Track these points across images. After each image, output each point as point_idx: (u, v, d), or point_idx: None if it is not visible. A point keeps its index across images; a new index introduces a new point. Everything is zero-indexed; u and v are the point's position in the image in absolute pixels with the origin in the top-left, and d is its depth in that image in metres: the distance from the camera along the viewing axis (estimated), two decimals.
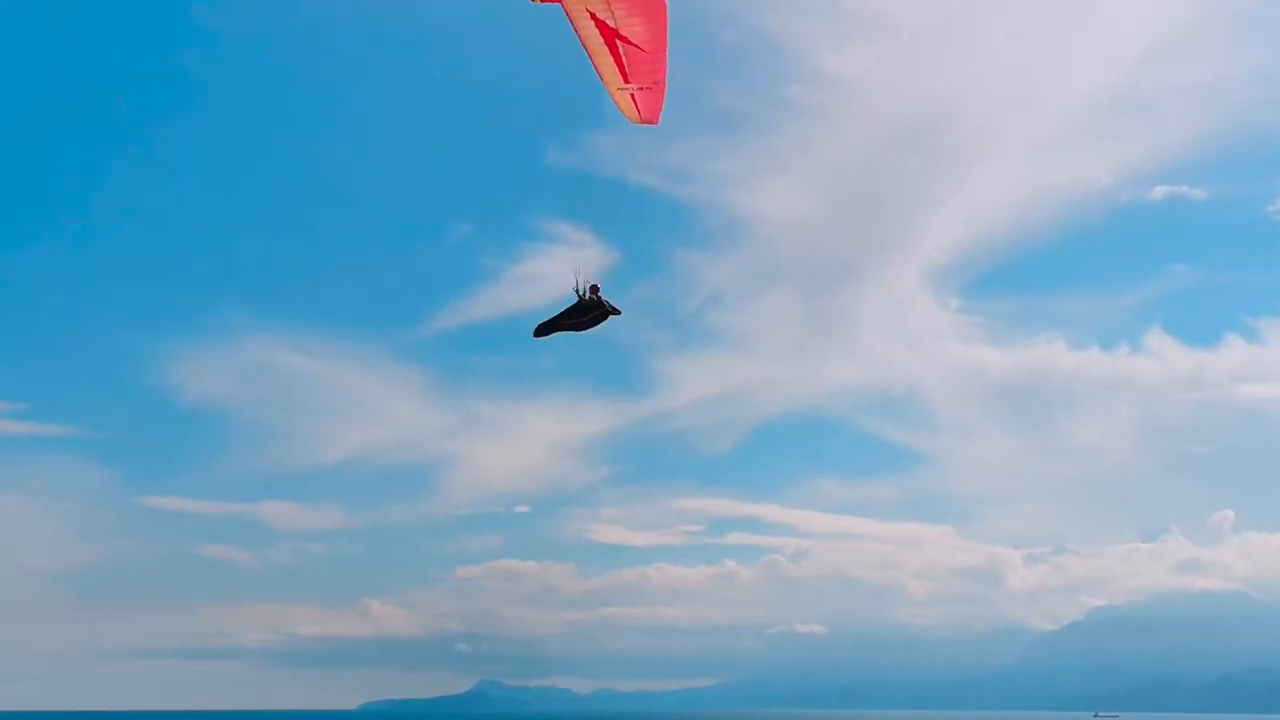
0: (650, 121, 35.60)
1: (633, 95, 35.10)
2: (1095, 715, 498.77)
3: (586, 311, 32.42)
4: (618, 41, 34.26)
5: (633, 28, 33.91)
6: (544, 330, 32.53)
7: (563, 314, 32.73)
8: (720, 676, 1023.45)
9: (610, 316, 33.16)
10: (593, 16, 33.63)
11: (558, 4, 33.46)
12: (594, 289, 32.71)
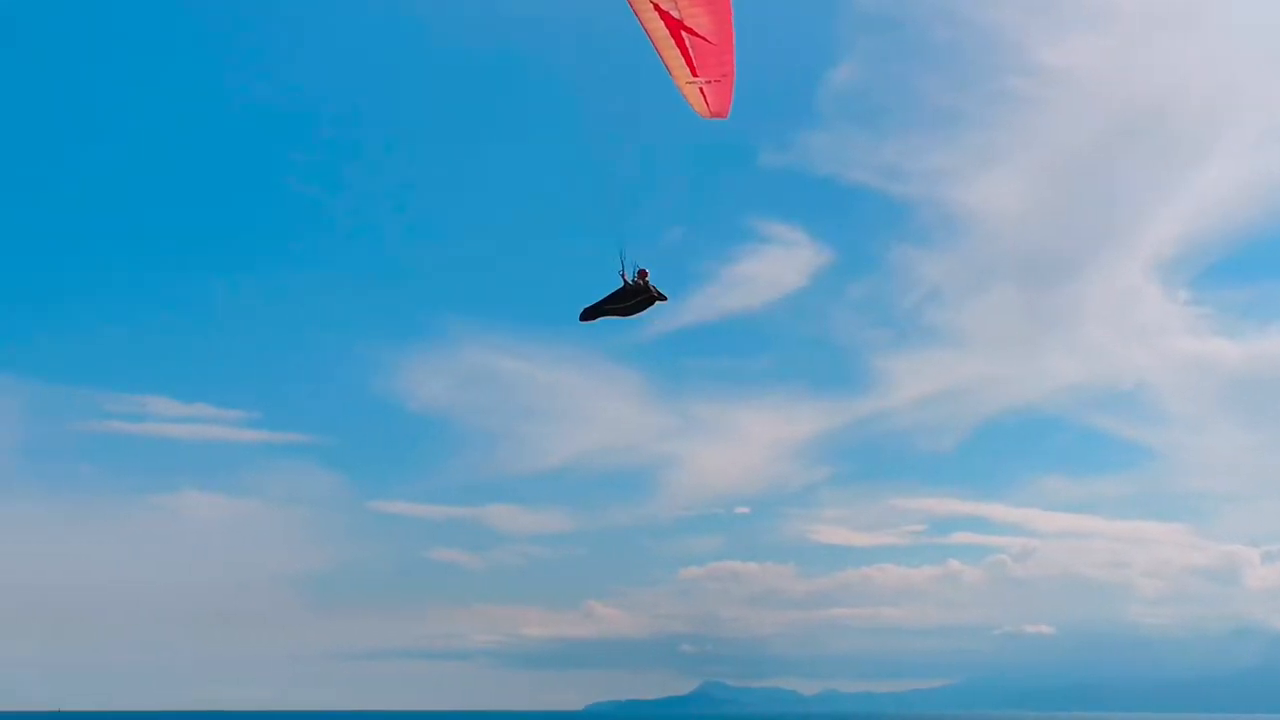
0: (720, 115, 34.18)
1: (701, 89, 33.74)
2: None
3: (632, 296, 31.36)
4: (683, 33, 32.95)
5: (697, 18, 32.56)
6: (589, 315, 31.70)
7: (607, 299, 31.75)
8: (947, 678, 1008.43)
9: (656, 302, 32.01)
10: (656, 8, 32.37)
11: None
12: (642, 274, 31.57)
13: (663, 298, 32.13)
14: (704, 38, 33.02)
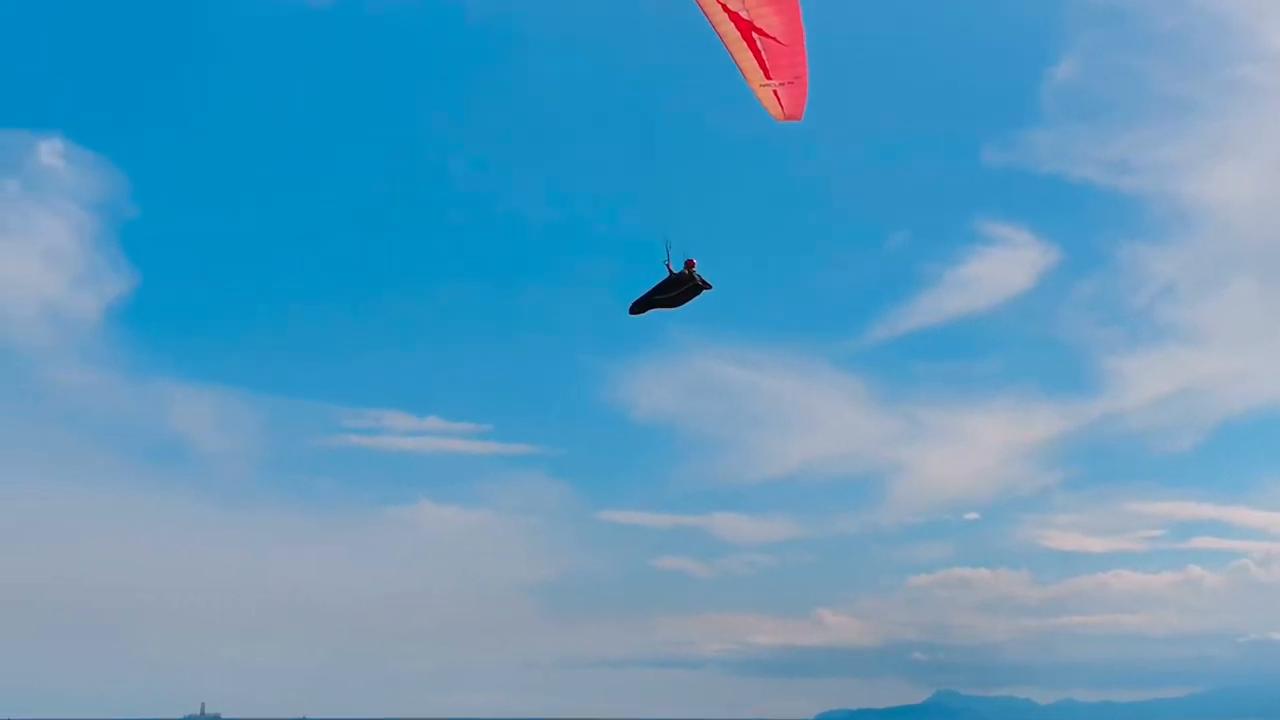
0: (794, 118, 33.24)
1: (775, 91, 32.88)
2: None
3: (677, 286, 31.05)
4: (754, 35, 32.14)
5: (767, 19, 31.74)
6: (639, 307, 31.55)
7: (655, 289, 31.49)
8: (1191, 687, 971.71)
9: (702, 291, 31.63)
10: (725, 9, 31.61)
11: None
12: (689, 264, 31.26)
13: (707, 286, 31.89)
14: (775, 39, 32.21)
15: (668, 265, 30.66)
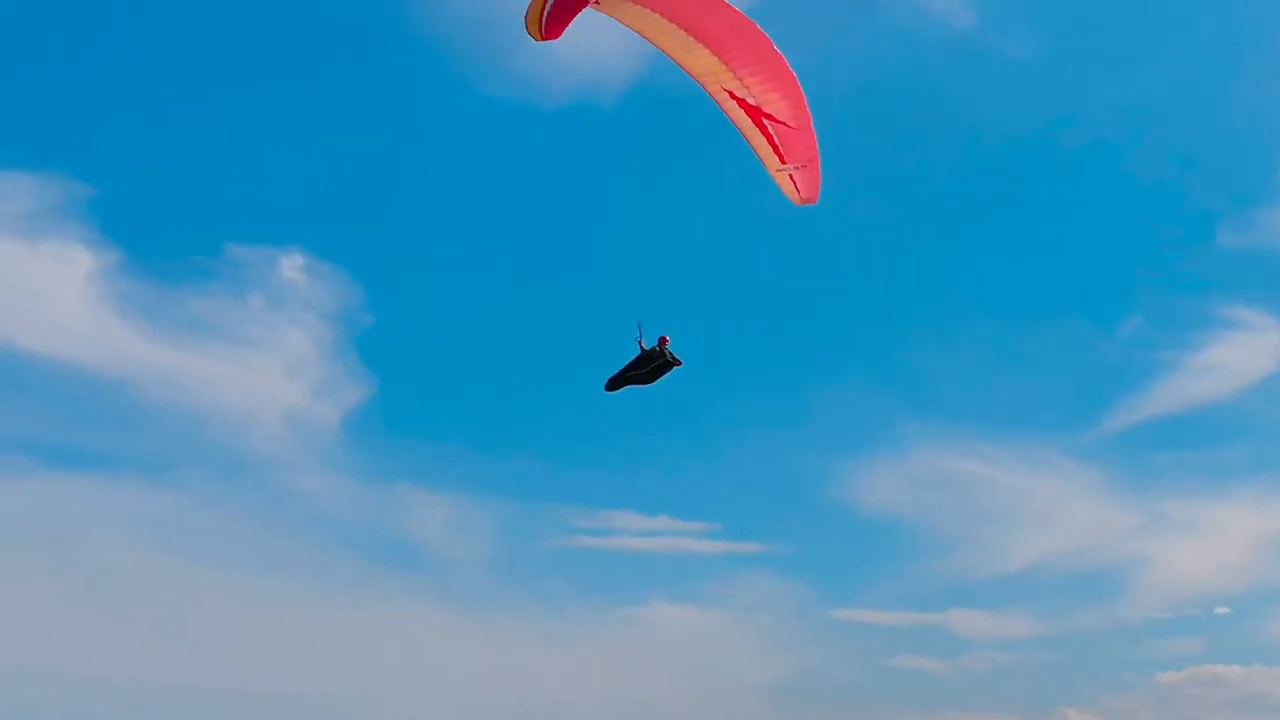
0: (810, 201, 32.84)
1: (790, 176, 32.55)
2: None
3: (650, 363, 30.84)
4: (765, 120, 31.96)
5: (775, 104, 31.44)
6: (613, 385, 31.40)
7: (627, 366, 31.31)
8: None
9: (673, 368, 31.37)
10: (732, 95, 31.60)
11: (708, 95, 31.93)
12: (663, 340, 31.01)
13: (677, 362, 31.58)
14: (784, 123, 31.86)
15: (640, 343, 30.68)
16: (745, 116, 31.76)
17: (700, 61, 31.09)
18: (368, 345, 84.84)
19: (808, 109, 31.47)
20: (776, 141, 32.17)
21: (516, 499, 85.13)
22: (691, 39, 30.76)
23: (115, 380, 78.76)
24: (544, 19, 27.87)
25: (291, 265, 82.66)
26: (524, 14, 28.19)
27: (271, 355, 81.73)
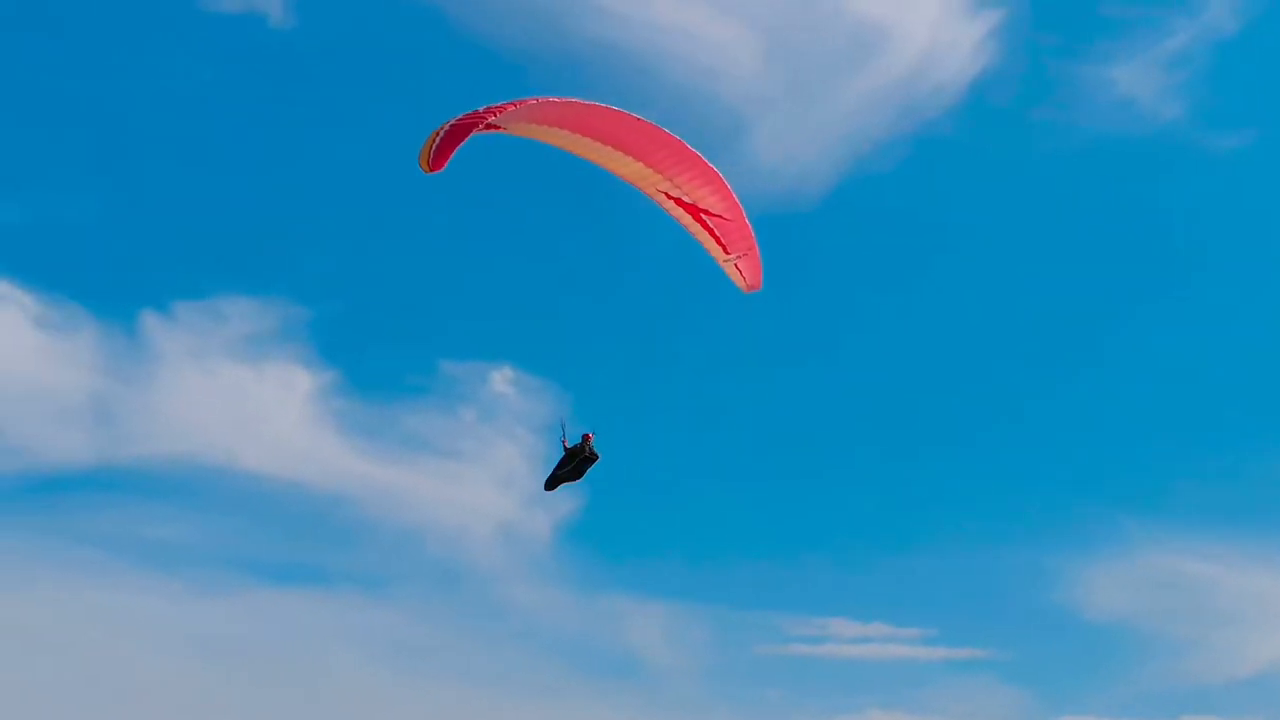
0: (755, 287, 33.69)
1: (736, 264, 33.68)
2: None
3: (574, 459, 32.20)
4: (703, 215, 33.20)
5: (707, 198, 32.64)
6: (550, 485, 32.82)
7: (557, 466, 32.64)
8: None
9: (594, 462, 32.56)
10: (668, 196, 33.03)
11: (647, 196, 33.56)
12: (586, 437, 32.31)
13: (596, 457, 32.73)
14: (720, 216, 32.88)
15: (563, 442, 32.14)
16: (685, 213, 32.96)
17: (629, 169, 32.59)
18: None
19: (737, 201, 32.51)
20: (718, 234, 33.23)
21: (730, 606, 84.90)
22: (611, 149, 32.38)
23: (333, 497, 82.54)
24: (433, 152, 29.82)
25: (502, 379, 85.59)
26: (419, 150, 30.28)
27: (484, 469, 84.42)
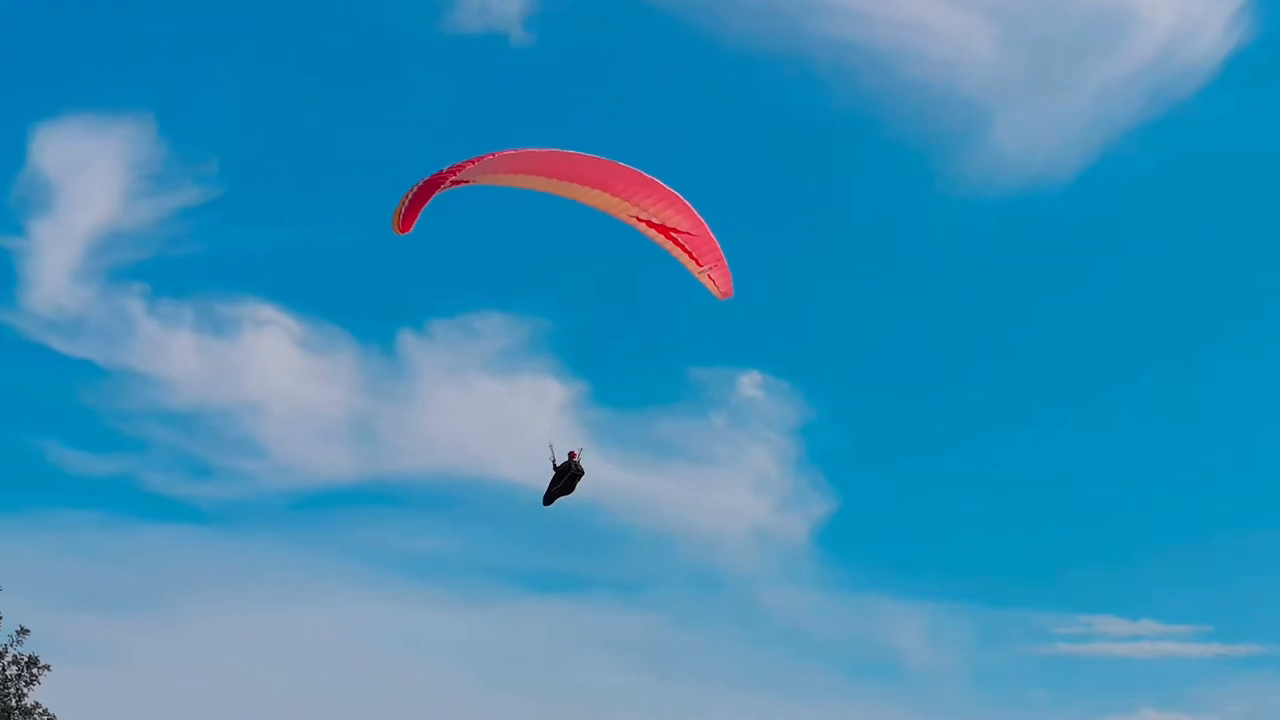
0: (728, 294, 36.27)
1: (709, 275, 36.36)
2: None
3: (564, 475, 34.74)
4: (672, 234, 35.94)
5: (673, 218, 35.29)
6: (547, 500, 35.27)
7: (551, 483, 35.16)
8: None
9: (579, 478, 34.96)
10: (639, 220, 35.98)
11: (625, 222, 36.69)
12: (572, 454, 34.86)
13: (582, 473, 34.90)
14: (688, 233, 35.46)
15: (553, 462, 35.06)
16: (657, 233, 35.93)
17: (599, 199, 35.80)
18: (828, 458, 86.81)
19: (701, 219, 35.20)
20: (689, 249, 36.04)
21: (993, 605, 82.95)
22: (578, 185, 35.73)
23: (588, 505, 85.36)
24: (403, 215, 33.56)
25: (751, 384, 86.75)
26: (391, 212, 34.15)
27: (736, 473, 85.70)
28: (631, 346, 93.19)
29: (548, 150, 34.73)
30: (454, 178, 33.30)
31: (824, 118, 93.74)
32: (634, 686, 79.49)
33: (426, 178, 33.43)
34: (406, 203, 33.05)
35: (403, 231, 33.19)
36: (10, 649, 43.20)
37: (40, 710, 42.96)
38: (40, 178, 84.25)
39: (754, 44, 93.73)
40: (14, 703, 42.22)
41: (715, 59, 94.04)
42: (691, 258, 35.91)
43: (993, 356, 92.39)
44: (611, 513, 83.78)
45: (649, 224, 35.71)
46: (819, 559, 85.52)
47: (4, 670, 42.80)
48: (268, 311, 79.53)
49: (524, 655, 79.34)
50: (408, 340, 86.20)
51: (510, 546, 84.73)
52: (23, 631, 43.48)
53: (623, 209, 35.65)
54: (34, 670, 43.14)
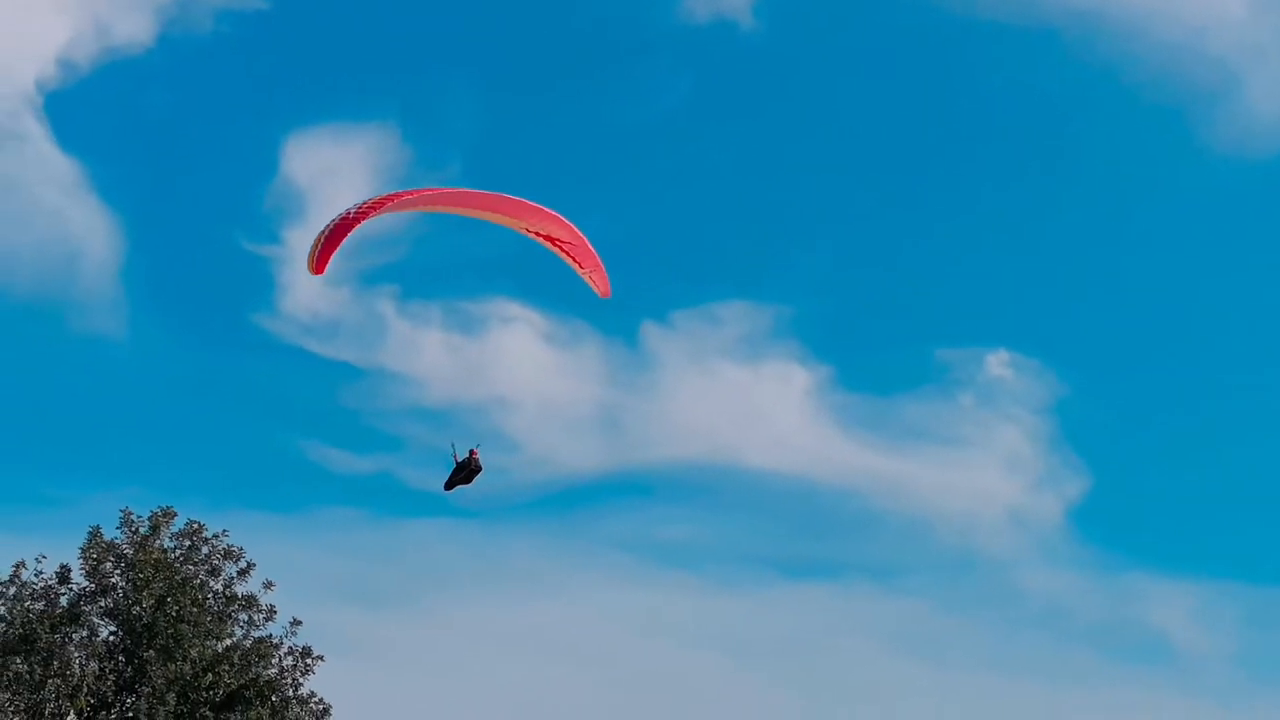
0: (606, 294, 41.33)
1: (590, 277, 41.83)
2: None
3: (464, 469, 37.49)
4: (557, 244, 41.57)
5: (557, 233, 40.74)
6: (447, 487, 38.23)
7: (451, 474, 38.18)
8: None
9: (477, 474, 37.99)
10: (528, 232, 41.82)
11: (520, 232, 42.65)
12: (472, 452, 37.72)
13: (480, 469, 38.40)
14: (570, 243, 40.94)
15: (454, 456, 38.28)
16: (545, 243, 42.08)
17: (494, 219, 41.98)
18: (1079, 436, 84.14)
19: (580, 233, 40.75)
20: (572, 255, 42.00)
21: (1265, 583, 78.56)
22: (477, 211, 41.76)
23: (842, 490, 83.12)
24: (316, 257, 38.43)
25: (998, 362, 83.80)
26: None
27: (986, 453, 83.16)
28: (875, 330, 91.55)
29: (453, 190, 40.51)
30: (362, 219, 38.71)
31: (1071, 88, 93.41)
32: (895, 672, 77.85)
33: (337, 219, 38.56)
34: (319, 245, 38.22)
35: (317, 273, 37.81)
36: (285, 640, 43.99)
37: (315, 699, 43.58)
38: (292, 187, 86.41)
39: (993, 15, 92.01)
40: (291, 692, 43.35)
41: (953, 33, 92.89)
42: (574, 262, 41.77)
43: (1252, 324, 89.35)
44: (863, 496, 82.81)
45: (537, 235, 41.67)
46: (1076, 539, 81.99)
47: (281, 660, 43.76)
48: (514, 308, 77.78)
49: (782, 642, 78.75)
50: (650, 331, 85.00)
51: (762, 533, 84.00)
52: (296, 623, 44.13)
53: (516, 226, 41.72)
54: (308, 660, 43.77)
